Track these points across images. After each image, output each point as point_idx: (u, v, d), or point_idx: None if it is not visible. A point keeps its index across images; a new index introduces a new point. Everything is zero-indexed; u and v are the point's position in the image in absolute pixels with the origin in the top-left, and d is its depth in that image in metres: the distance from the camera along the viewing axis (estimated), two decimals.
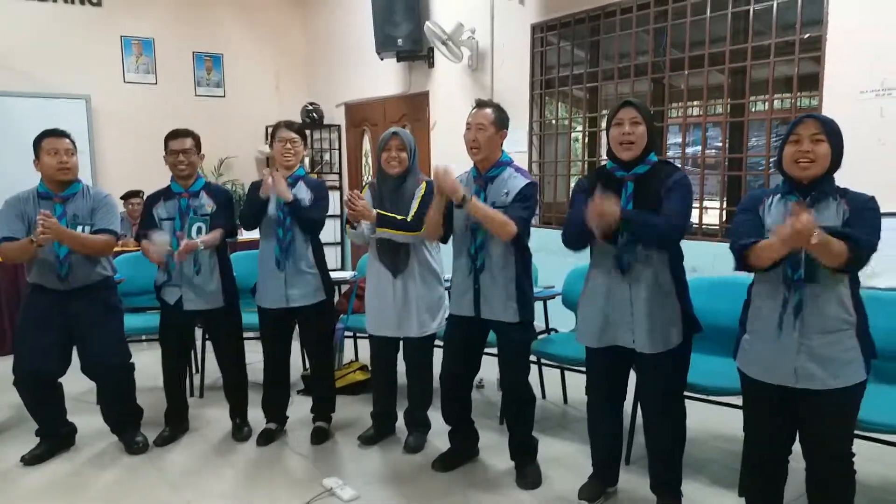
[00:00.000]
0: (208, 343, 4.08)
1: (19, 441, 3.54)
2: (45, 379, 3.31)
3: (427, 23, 5.59)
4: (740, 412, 2.48)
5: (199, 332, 3.95)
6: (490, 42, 5.67)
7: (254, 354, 3.75)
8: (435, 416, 3.46)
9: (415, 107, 6.62)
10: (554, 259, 4.06)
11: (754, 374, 2.34)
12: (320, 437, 3.60)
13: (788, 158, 2.21)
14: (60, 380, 3.39)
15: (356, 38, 6.98)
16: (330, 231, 6.20)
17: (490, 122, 2.95)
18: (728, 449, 3.31)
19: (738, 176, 4.36)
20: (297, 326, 3.62)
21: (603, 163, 2.78)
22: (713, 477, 3.12)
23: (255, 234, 3.65)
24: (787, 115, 4.13)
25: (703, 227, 4.51)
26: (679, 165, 4.62)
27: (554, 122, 5.50)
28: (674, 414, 2.72)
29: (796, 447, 2.38)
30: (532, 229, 3.01)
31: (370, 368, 3.69)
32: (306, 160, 3.57)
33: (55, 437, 3.47)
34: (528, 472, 3.10)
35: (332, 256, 4.70)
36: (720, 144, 4.54)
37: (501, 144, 3.03)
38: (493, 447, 3.40)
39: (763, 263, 2.21)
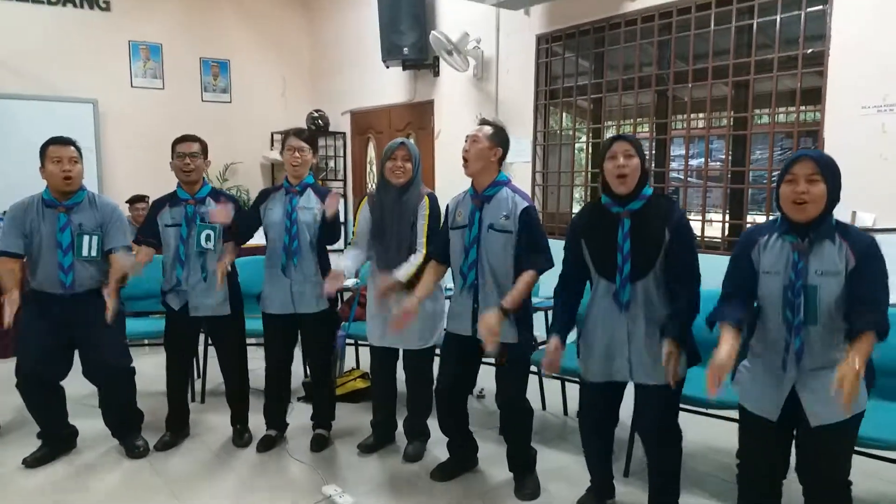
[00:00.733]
0: (210, 349, 4.10)
1: (21, 443, 3.57)
2: (48, 381, 3.33)
3: (433, 32, 5.61)
4: (735, 425, 2.48)
5: (200, 338, 3.97)
6: (495, 52, 5.69)
7: (255, 361, 3.77)
8: (434, 425, 3.45)
9: (420, 115, 6.65)
10: (555, 269, 4.07)
11: (752, 408, 2.36)
12: (320, 444, 3.61)
13: (785, 199, 2.20)
14: (62, 383, 3.41)
15: (362, 46, 7.02)
16: None
17: (485, 136, 2.96)
18: (726, 462, 3.31)
19: (741, 189, 4.37)
20: (299, 333, 3.64)
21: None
22: (711, 490, 3.12)
23: (259, 240, 3.68)
24: (789, 128, 4.14)
25: (706, 240, 4.51)
26: (680, 178, 4.66)
27: (558, 132, 5.52)
28: (670, 436, 2.72)
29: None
30: None
31: (371, 378, 3.70)
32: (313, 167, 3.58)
33: (57, 439, 3.49)
34: (526, 484, 3.11)
35: (333, 263, 4.71)
36: (723, 157, 4.55)
37: (498, 163, 3.02)
38: (493, 457, 3.41)
39: None
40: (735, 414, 2.61)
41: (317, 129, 7.46)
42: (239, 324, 3.67)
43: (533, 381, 3.25)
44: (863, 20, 3.67)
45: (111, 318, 3.17)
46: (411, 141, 3.52)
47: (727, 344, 2.22)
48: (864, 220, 3.63)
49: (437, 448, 3.47)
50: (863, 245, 2.16)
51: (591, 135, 5.37)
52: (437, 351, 3.45)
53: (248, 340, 3.78)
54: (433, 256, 3.20)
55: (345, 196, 7.69)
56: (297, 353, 3.79)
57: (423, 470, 3.34)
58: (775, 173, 4.24)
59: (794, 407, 2.26)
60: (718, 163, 4.71)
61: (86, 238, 3.26)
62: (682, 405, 2.78)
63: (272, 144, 7.71)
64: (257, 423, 3.72)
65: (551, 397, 4.14)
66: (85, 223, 3.28)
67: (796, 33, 3.98)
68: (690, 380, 2.75)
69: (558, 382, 4.07)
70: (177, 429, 3.70)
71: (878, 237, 3.41)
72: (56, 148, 3.25)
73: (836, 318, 2.18)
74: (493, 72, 5.76)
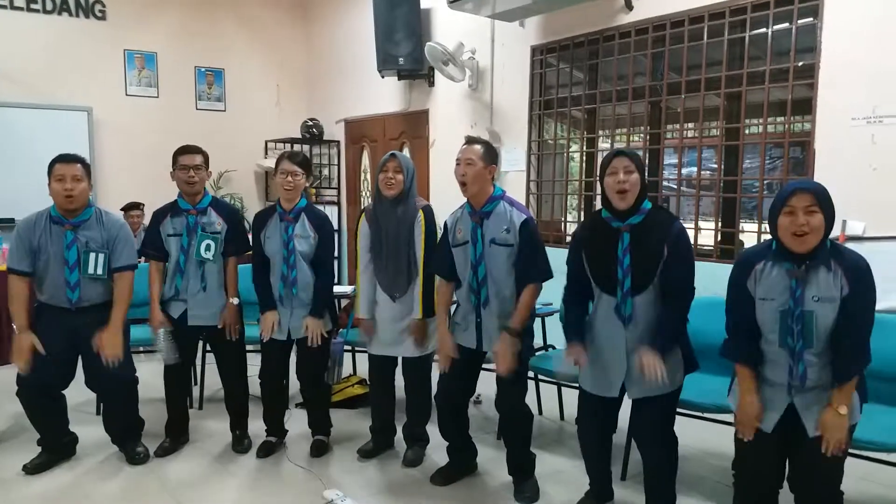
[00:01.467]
0: (208, 356, 4.12)
1: (21, 450, 3.56)
2: (49, 391, 3.34)
3: (428, 43, 5.67)
4: (732, 429, 2.53)
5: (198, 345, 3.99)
6: (490, 63, 5.76)
7: (253, 368, 3.79)
8: (433, 430, 3.50)
9: (414, 125, 6.70)
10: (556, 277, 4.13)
11: None
12: (320, 449, 3.64)
13: (784, 230, 2.24)
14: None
15: (357, 56, 7.07)
16: None
17: (478, 157, 3.01)
18: (722, 466, 3.35)
19: (733, 197, 4.45)
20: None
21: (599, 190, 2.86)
22: (707, 494, 3.17)
23: None
24: (780, 138, 4.22)
25: (698, 247, 4.58)
26: (673, 187, 4.73)
27: (552, 141, 5.59)
28: (667, 443, 2.76)
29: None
30: None
31: (369, 384, 3.74)
32: (311, 191, 3.64)
33: (57, 446, 3.49)
34: (525, 487, 3.15)
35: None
36: (715, 166, 4.62)
37: (492, 180, 3.09)
38: (491, 461, 3.45)
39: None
40: (730, 417, 2.67)
41: (311, 137, 7.50)
42: (238, 333, 3.68)
43: (530, 386, 3.29)
44: (852, 34, 3.75)
45: (112, 361, 3.24)
46: (404, 153, 3.56)
47: (749, 393, 2.35)
48: (855, 228, 3.71)
49: (436, 453, 3.50)
50: (857, 272, 2.23)
51: (584, 144, 5.44)
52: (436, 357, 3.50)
53: (247, 347, 3.80)
54: (440, 276, 3.24)
55: (338, 204, 7.72)
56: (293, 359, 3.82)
57: (423, 474, 3.38)
58: (766, 182, 4.33)
59: (790, 419, 2.32)
60: (710, 171, 4.78)
61: (92, 255, 3.27)
62: (678, 409, 2.84)
63: (266, 153, 7.74)
64: (256, 429, 3.74)
65: (547, 402, 4.18)
66: (92, 241, 3.29)
67: (787, 46, 4.06)
68: (687, 385, 2.82)
69: (554, 388, 4.12)
70: (176, 435, 3.71)
71: (868, 245, 3.52)
72: (61, 166, 3.23)
73: (830, 342, 2.26)
74: (487, 82, 5.82)
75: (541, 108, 5.54)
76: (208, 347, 4.06)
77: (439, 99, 6.38)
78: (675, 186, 4.87)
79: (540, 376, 3.98)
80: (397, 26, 6.09)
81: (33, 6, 6.49)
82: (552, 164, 5.60)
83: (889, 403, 2.93)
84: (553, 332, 4.09)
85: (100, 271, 3.29)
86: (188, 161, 3.48)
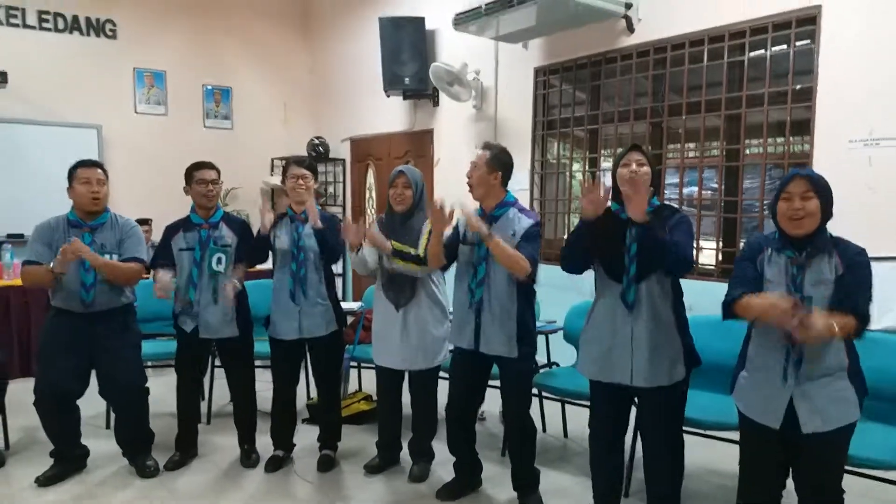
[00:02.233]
0: (217, 371, 4.18)
1: (32, 463, 3.63)
2: (65, 400, 3.41)
3: (433, 64, 5.77)
4: (737, 447, 2.59)
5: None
6: (494, 84, 5.85)
7: (261, 383, 3.85)
8: (439, 446, 3.56)
9: (419, 144, 6.80)
10: (556, 294, 4.20)
11: (752, 415, 2.46)
12: (327, 465, 3.69)
13: (782, 215, 2.36)
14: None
15: (363, 75, 7.19)
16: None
17: (483, 161, 3.13)
18: (724, 484, 3.42)
19: (734, 218, 4.52)
20: (307, 356, 3.73)
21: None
22: None
23: (266, 264, 3.79)
24: (780, 159, 4.30)
25: (700, 266, 4.65)
26: (678, 207, 4.80)
27: (555, 161, 5.67)
28: (673, 446, 2.83)
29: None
30: None
31: (376, 399, 3.80)
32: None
33: (69, 458, 3.55)
34: (530, 502, 3.20)
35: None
36: (716, 186, 4.70)
37: (501, 185, 3.19)
38: (496, 478, 3.49)
39: (749, 317, 2.39)
40: (733, 435, 2.73)
41: (317, 155, 7.59)
42: (248, 346, 3.77)
43: (534, 403, 3.35)
44: (848, 58, 3.85)
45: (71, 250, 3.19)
46: (413, 168, 3.63)
47: (757, 297, 2.32)
48: None
49: (442, 469, 3.55)
50: (852, 254, 2.32)
51: (587, 164, 5.52)
52: (442, 373, 3.56)
53: (256, 363, 3.86)
54: None
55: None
56: (302, 376, 3.88)
57: (429, 489, 3.42)
58: (767, 201, 4.40)
59: (793, 418, 2.37)
60: (711, 192, 4.86)
61: (106, 257, 3.37)
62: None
63: (272, 170, 7.83)
64: (264, 443, 3.80)
65: (552, 420, 4.23)
66: (107, 244, 3.41)
67: (786, 69, 4.16)
68: (690, 401, 2.88)
69: (559, 405, 4.17)
70: (186, 449, 3.77)
71: None
72: (85, 170, 3.40)
73: None
74: (491, 103, 5.92)
75: (544, 128, 5.63)
76: (217, 363, 4.12)
77: (444, 119, 6.48)
78: (677, 206, 4.94)
79: (544, 393, 4.03)
80: (403, 47, 6.21)
81: (45, 25, 6.61)
82: (555, 183, 5.69)
83: (887, 422, 2.99)
84: (557, 349, 4.16)
85: None
86: (206, 176, 3.60)
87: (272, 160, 7.86)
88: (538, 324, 3.77)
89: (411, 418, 3.62)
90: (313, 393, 4.12)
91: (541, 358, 3.76)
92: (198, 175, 3.60)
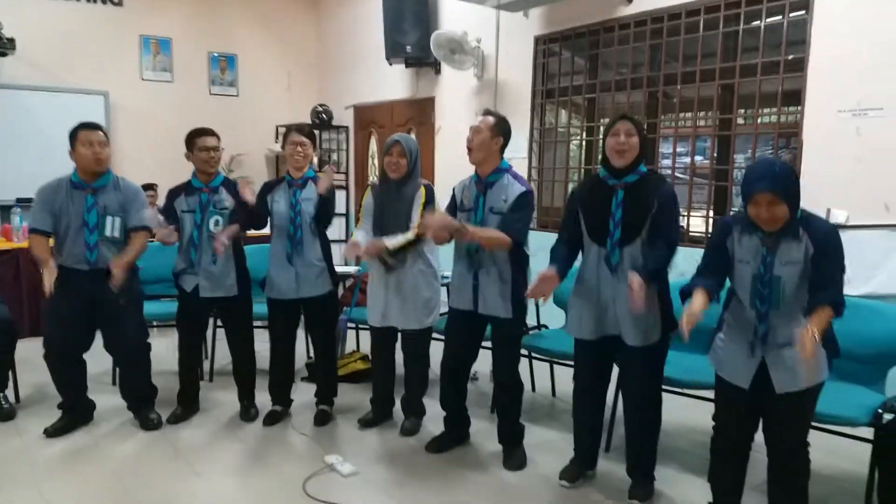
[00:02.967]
0: (218, 330, 4.32)
1: (41, 416, 3.78)
2: (72, 354, 3.57)
3: (435, 33, 5.82)
4: (712, 405, 2.71)
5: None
6: (495, 52, 5.90)
7: (260, 343, 3.99)
8: (429, 403, 3.72)
9: (421, 111, 6.87)
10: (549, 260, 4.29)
11: (727, 377, 2.58)
12: (323, 419, 3.84)
13: (754, 216, 2.37)
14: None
15: (366, 43, 7.24)
16: (336, 228, 6.42)
17: (487, 126, 3.21)
18: (699, 440, 3.52)
19: (725, 186, 4.59)
20: (302, 316, 3.87)
21: (598, 169, 3.04)
22: (684, 464, 3.35)
23: (264, 230, 3.92)
24: (771, 129, 4.36)
25: (690, 233, 4.73)
26: (668, 174, 4.87)
27: (554, 129, 5.74)
28: (651, 403, 2.98)
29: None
30: (530, 232, 3.29)
31: (371, 358, 3.93)
32: (315, 160, 3.84)
33: (76, 410, 3.72)
34: (514, 455, 3.34)
35: (337, 252, 4.94)
36: (709, 155, 4.76)
37: (499, 151, 3.27)
38: (483, 432, 3.64)
39: None
40: (708, 394, 2.84)
41: (321, 122, 7.67)
42: (247, 305, 3.90)
43: (523, 363, 3.48)
44: (840, 29, 3.88)
45: (116, 285, 3.33)
46: (410, 136, 3.72)
47: (698, 300, 2.47)
48: (838, 216, 3.84)
49: (432, 424, 3.70)
50: (821, 234, 2.37)
51: (584, 132, 5.58)
52: (434, 334, 3.69)
53: (254, 323, 4.00)
54: None
55: (346, 188, 7.91)
56: (300, 335, 4.02)
57: (419, 443, 3.57)
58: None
59: (764, 378, 2.48)
60: (702, 158, 4.93)
61: (109, 219, 3.50)
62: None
63: (277, 137, 7.92)
64: (263, 399, 3.95)
65: (541, 379, 4.37)
66: (110, 205, 3.52)
67: (779, 39, 4.19)
68: (670, 361, 3.00)
69: (548, 366, 4.30)
70: (187, 404, 3.92)
71: (851, 233, 3.65)
72: (87, 132, 3.48)
73: (796, 301, 2.41)
74: (492, 71, 5.97)
75: (543, 96, 5.69)
76: (219, 323, 4.26)
77: (445, 86, 6.54)
78: (670, 174, 5.01)
79: (534, 354, 4.15)
80: (405, 15, 6.26)
81: None
82: (553, 150, 5.76)
83: (856, 382, 3.09)
84: (547, 312, 4.26)
85: (116, 234, 3.51)
86: (207, 143, 3.70)
87: (277, 127, 7.95)
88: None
89: (404, 376, 3.75)
90: (312, 353, 4.26)
91: (531, 320, 3.88)
92: (199, 142, 3.70)
